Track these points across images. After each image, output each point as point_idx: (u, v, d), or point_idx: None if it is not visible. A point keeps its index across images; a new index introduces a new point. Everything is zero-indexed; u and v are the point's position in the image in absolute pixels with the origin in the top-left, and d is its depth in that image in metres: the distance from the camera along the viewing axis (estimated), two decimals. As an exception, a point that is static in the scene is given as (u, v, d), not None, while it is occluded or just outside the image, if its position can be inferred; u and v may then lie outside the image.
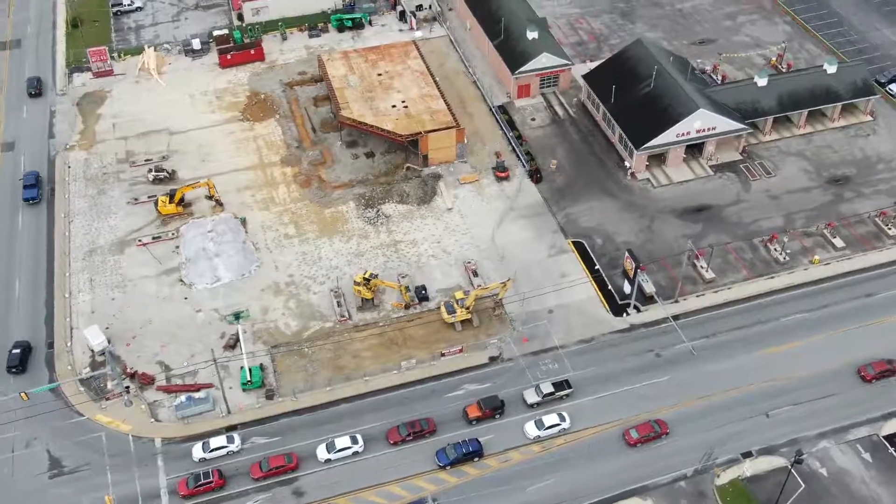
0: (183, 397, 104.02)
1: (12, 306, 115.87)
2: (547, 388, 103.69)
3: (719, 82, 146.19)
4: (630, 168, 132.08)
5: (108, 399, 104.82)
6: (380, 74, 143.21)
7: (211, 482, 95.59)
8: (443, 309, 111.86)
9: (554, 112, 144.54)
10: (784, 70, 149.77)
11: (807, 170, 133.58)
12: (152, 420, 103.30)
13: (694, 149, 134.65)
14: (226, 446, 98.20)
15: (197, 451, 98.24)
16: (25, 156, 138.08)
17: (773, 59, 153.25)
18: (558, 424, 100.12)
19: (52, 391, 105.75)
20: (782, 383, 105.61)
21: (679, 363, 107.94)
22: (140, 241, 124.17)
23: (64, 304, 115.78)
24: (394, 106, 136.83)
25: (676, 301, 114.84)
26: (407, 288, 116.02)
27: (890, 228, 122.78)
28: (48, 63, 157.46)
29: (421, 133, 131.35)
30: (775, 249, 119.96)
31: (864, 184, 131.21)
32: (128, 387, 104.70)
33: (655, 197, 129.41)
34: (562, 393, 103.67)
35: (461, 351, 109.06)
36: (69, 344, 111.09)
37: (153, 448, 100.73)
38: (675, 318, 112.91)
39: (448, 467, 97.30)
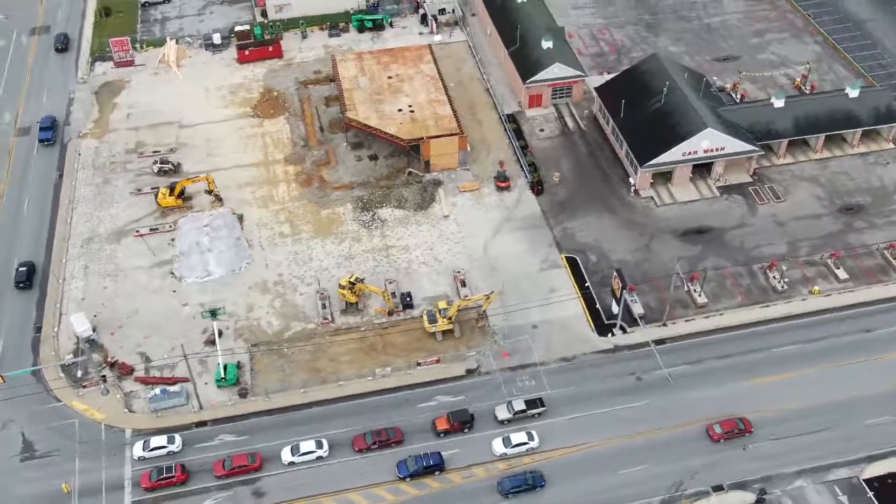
0: (157, 390, 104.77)
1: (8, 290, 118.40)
2: (519, 405, 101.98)
3: (738, 101, 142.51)
4: (634, 185, 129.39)
5: (85, 386, 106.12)
6: (390, 77, 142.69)
7: (173, 477, 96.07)
8: (425, 318, 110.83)
9: (564, 123, 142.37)
10: (808, 91, 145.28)
11: (819, 196, 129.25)
12: (126, 410, 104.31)
13: (702, 168, 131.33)
14: (165, 446, 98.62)
15: (137, 449, 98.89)
16: (39, 142, 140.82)
17: (798, 79, 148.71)
18: (526, 443, 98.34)
19: (35, 375, 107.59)
20: (767, 415, 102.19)
21: (660, 388, 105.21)
22: (138, 231, 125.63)
23: (56, 290, 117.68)
24: (400, 110, 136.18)
25: (664, 324, 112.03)
26: (393, 294, 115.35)
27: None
28: (73, 49, 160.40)
29: (423, 138, 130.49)
30: (774, 277, 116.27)
31: (877, 214, 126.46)
32: (104, 375, 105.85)
33: (657, 216, 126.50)
34: (534, 411, 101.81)
35: (437, 361, 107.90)
36: (56, 329, 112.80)
37: (123, 438, 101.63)
38: (662, 342, 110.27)
39: (408, 479, 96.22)
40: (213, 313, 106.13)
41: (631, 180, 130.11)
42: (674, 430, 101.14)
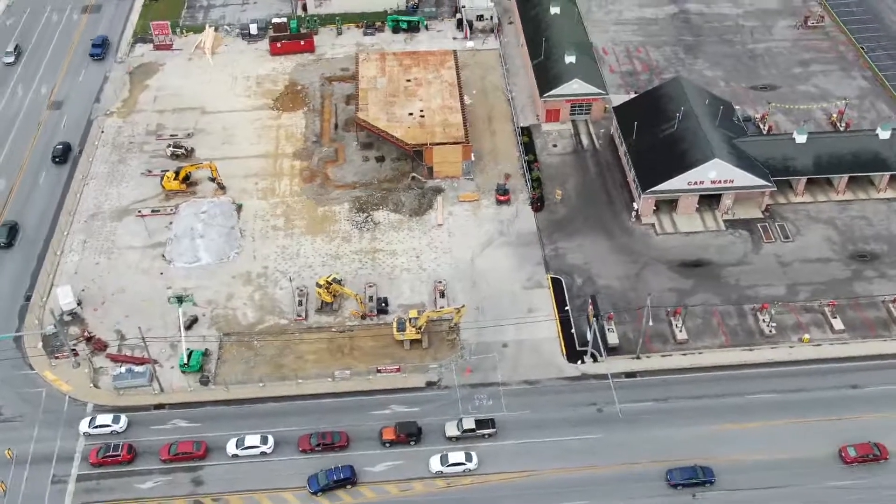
0: (123, 368, 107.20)
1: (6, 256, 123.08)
2: (469, 423, 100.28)
3: (765, 133, 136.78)
4: (637, 210, 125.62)
5: (57, 358, 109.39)
6: (409, 80, 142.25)
7: (119, 456, 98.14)
8: (394, 325, 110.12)
9: (579, 141, 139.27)
10: (842, 128, 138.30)
11: (831, 240, 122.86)
12: (91, 385, 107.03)
13: (712, 200, 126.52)
14: (109, 425, 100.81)
15: (83, 425, 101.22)
16: (68, 117, 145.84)
17: (834, 114, 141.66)
18: (463, 464, 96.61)
19: (15, 342, 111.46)
20: (727, 464, 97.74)
21: (619, 422, 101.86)
22: (140, 211, 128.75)
23: (52, 261, 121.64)
24: (411, 114, 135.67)
25: (638, 357, 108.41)
26: (370, 298, 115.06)
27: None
28: (118, 30, 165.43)
29: (426, 144, 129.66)
30: (763, 320, 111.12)
31: (892, 264, 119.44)
32: (74, 349, 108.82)
33: (655, 244, 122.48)
34: (484, 431, 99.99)
35: (398, 370, 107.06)
36: (44, 300, 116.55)
37: (83, 413, 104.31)
38: (633, 374, 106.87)
39: (318, 494, 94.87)
40: (180, 300, 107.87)
41: (635, 205, 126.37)
42: (625, 468, 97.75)
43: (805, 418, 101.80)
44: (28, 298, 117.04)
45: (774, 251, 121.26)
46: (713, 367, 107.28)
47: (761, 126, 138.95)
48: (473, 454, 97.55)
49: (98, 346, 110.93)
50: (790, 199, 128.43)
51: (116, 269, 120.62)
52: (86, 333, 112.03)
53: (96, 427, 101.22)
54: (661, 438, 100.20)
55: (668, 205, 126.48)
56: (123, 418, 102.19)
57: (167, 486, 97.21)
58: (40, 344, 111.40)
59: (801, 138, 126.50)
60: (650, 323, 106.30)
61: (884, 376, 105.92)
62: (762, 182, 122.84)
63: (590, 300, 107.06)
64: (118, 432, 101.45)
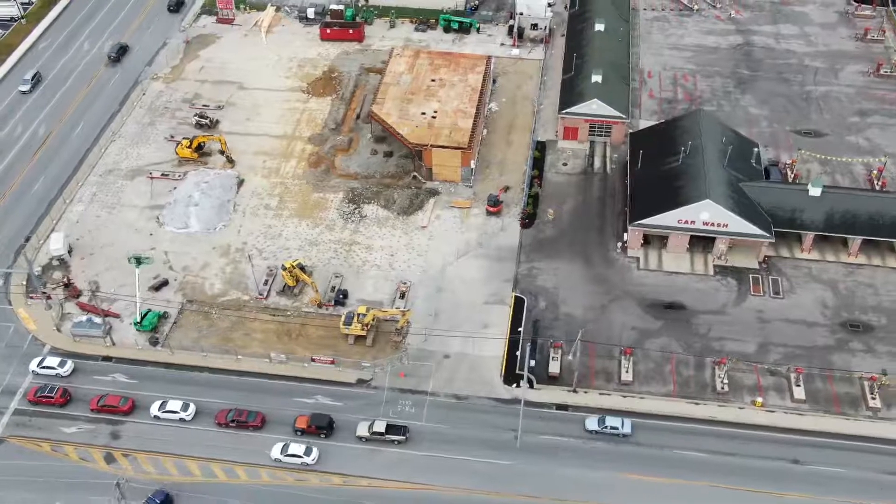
0: (84, 317, 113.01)
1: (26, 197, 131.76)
2: (380, 426, 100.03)
3: (791, 180, 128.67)
4: (625, 241, 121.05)
5: (32, 298, 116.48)
6: (433, 80, 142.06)
7: (53, 398, 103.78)
8: (342, 319, 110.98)
9: (591, 163, 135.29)
10: (878, 188, 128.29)
11: (825, 303, 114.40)
12: (54, 328, 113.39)
13: (708, 242, 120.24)
14: (55, 368, 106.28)
15: (33, 364, 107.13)
16: (120, 74, 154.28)
17: (874, 171, 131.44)
18: (300, 457, 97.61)
19: (3, 277, 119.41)
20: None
21: (533, 453, 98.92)
22: (151, 173, 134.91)
23: (59, 209, 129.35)
24: (423, 113, 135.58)
25: (576, 391, 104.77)
26: (333, 288, 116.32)
27: (874, 397, 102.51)
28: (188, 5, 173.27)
29: (427, 146, 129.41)
30: (719, 376, 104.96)
31: (885, 340, 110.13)
32: (46, 292, 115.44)
33: (632, 279, 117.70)
34: (393, 437, 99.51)
35: (332, 363, 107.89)
36: (41, 242, 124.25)
37: (39, 352, 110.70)
38: (564, 407, 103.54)
39: None
40: (138, 260, 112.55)
41: (625, 236, 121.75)
42: (523, 500, 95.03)
43: (728, 484, 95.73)
44: (27, 239, 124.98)
45: (758, 305, 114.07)
46: (650, 414, 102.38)
47: (788, 173, 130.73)
48: (314, 449, 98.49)
49: (73, 292, 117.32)
50: (794, 253, 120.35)
51: (113, 224, 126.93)
52: (65, 279, 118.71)
53: (43, 367, 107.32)
54: (571, 478, 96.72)
55: (660, 241, 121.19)
56: (69, 363, 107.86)
57: (88, 434, 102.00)
58: (24, 282, 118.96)
59: (815, 191, 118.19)
60: (577, 356, 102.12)
61: (833, 457, 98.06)
62: (758, 231, 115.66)
63: (532, 324, 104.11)
64: (62, 376, 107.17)
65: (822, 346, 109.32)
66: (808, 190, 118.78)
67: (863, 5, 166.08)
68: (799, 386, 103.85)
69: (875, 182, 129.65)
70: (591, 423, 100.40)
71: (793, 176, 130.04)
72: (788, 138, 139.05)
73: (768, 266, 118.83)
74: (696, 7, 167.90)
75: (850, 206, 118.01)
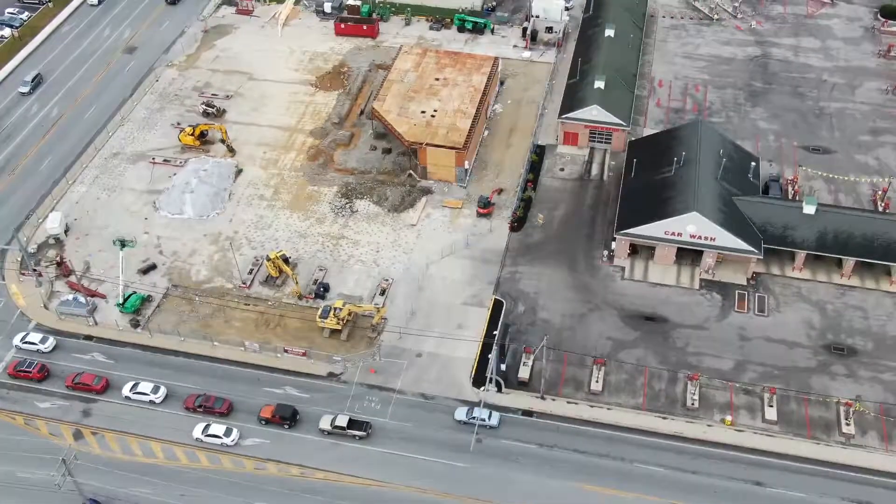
0: (71, 296, 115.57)
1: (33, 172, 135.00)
2: (342, 421, 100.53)
3: (791, 196, 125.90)
4: (612, 250, 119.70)
5: (24, 274, 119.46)
6: (437, 79, 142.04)
7: (30, 373, 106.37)
8: (318, 311, 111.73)
9: (588, 169, 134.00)
10: (881, 209, 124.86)
11: (812, 325, 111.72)
12: (42, 305, 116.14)
13: (697, 256, 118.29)
14: (36, 344, 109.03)
15: (16, 339, 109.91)
16: (135, 62, 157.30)
17: (879, 192, 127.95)
18: (220, 437, 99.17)
19: (2, 254, 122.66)
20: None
21: (493, 458, 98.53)
22: (153, 159, 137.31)
23: (61, 189, 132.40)
24: (423, 112, 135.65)
25: (543, 398, 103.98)
26: (315, 281, 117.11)
27: (848, 423, 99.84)
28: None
29: (422, 144, 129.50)
30: (690, 391, 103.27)
31: (868, 365, 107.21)
32: (36, 269, 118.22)
33: (615, 288, 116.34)
34: (355, 432, 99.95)
35: (304, 354, 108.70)
36: (40, 221, 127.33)
37: (25, 328, 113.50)
38: (530, 413, 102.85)
39: None
40: (123, 243, 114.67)
41: (613, 244, 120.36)
42: (472, 502, 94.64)
43: (686, 502, 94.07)
44: (28, 217, 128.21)
45: (741, 322, 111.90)
46: (615, 426, 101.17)
47: (790, 189, 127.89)
48: (234, 430, 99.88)
49: (65, 271, 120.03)
50: (786, 271, 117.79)
51: (110, 207, 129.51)
52: (58, 258, 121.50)
53: (26, 343, 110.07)
54: (527, 484, 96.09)
55: (648, 251, 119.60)
56: (51, 340, 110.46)
57: (60, 410, 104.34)
58: (19, 259, 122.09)
59: (809, 208, 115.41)
60: (543, 362, 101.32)
61: (796, 482, 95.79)
62: (747, 247, 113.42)
63: (504, 328, 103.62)
64: (43, 352, 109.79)
65: (803, 368, 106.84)
66: (801, 207, 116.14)
67: (890, 21, 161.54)
68: (772, 406, 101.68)
69: (878, 202, 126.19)
70: (460, 413, 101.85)
71: (793, 192, 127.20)
72: (795, 154, 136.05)
73: (756, 283, 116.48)
74: (715, 17, 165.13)
75: (845, 226, 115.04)
